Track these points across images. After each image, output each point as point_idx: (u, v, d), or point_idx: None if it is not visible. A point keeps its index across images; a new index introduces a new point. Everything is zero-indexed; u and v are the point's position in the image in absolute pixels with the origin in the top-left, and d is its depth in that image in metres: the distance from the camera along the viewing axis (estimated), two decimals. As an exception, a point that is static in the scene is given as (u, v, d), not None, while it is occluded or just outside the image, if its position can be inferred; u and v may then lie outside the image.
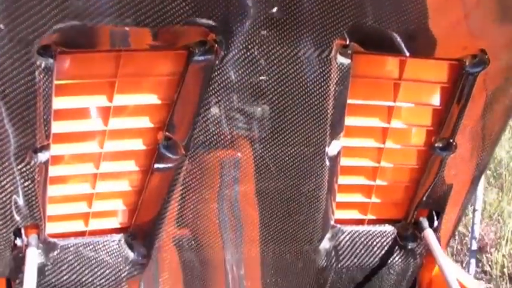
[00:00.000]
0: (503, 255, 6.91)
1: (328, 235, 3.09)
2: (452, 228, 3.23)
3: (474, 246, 6.58)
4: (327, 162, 2.79)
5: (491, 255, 6.95)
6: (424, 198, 3.06)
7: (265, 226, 2.95)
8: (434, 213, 3.15)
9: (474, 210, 6.50)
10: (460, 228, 7.21)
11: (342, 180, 2.97)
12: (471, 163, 2.99)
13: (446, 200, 3.08)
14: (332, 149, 2.77)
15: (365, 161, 2.97)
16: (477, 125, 2.86)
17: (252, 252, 3.03)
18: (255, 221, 2.93)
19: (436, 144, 2.92)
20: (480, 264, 6.89)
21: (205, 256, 3.00)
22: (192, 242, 2.94)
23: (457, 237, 7.23)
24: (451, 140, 2.89)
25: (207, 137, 2.62)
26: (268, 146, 2.69)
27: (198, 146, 2.64)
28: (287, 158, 2.74)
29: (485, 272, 6.82)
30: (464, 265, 6.39)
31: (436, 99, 2.84)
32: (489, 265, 6.86)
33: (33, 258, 2.69)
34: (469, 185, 3.09)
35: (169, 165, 2.69)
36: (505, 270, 6.82)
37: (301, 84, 2.55)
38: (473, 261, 6.57)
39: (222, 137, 2.64)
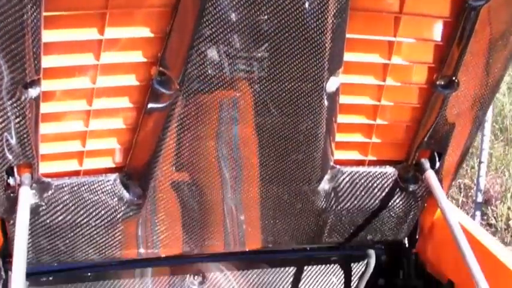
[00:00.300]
0: (509, 208, 6.88)
1: (327, 176, 3.04)
2: (454, 170, 3.17)
3: (479, 199, 6.57)
4: (325, 99, 2.72)
5: (496, 207, 6.93)
6: (426, 139, 3.00)
7: (263, 165, 2.89)
8: (436, 154, 3.09)
9: (480, 163, 6.48)
10: (466, 180, 7.19)
11: (342, 119, 2.91)
12: (474, 102, 2.92)
13: (449, 140, 3.02)
14: (330, 85, 2.70)
15: (365, 99, 2.90)
16: (480, 61, 2.79)
17: (250, 192, 2.99)
18: (252, 160, 2.88)
19: (438, 82, 2.85)
20: (485, 217, 6.87)
21: (203, 196, 2.95)
22: (189, 181, 2.90)
23: (462, 190, 7.20)
24: (453, 78, 2.82)
25: (202, 72, 2.56)
26: (264, 81, 2.62)
27: (193, 81, 2.58)
28: (284, 94, 2.68)
29: (490, 225, 6.81)
30: (469, 218, 6.34)
31: (437, 35, 2.77)
32: (494, 218, 6.85)
33: (26, 197, 2.65)
34: (471, 125, 3.02)
35: (164, 101, 2.63)
36: (510, 222, 6.80)
37: (297, 16, 2.47)
38: (478, 213, 6.56)
39: (217, 72, 2.58)
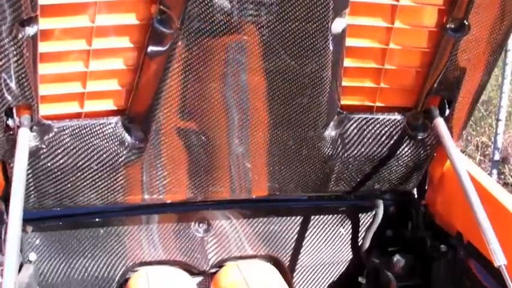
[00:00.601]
0: (526, 168, 6.79)
1: (333, 122, 2.98)
2: (464, 119, 3.10)
3: (496, 157, 6.49)
4: (331, 41, 2.65)
5: (513, 166, 6.84)
6: (435, 85, 2.93)
7: (267, 109, 2.84)
8: (445, 101, 3.02)
9: (497, 120, 6.40)
10: (483, 138, 7.11)
11: (349, 63, 2.85)
12: (486, 46, 2.84)
13: (459, 86, 2.95)
14: (336, 26, 2.63)
15: (373, 42, 2.82)
16: (492, 3, 2.71)
17: (254, 137, 2.94)
18: (256, 103, 2.83)
19: (448, 25, 2.77)
20: (502, 176, 6.79)
21: (207, 140, 2.91)
22: (192, 125, 2.85)
23: (479, 148, 7.13)
24: (464, 21, 2.74)
25: (202, 11, 2.50)
26: (267, 21, 2.56)
27: (193, 20, 2.52)
28: (288, 35, 2.61)
29: (506, 184, 6.73)
30: (485, 176, 6.27)
31: (448, -26, 2.68)
32: (511, 176, 6.76)
33: (25, 138, 2.62)
34: (483, 71, 2.94)
35: (164, 41, 2.57)
36: (527, 181, 6.72)
37: None
38: (495, 171, 6.49)
39: (218, 11, 2.51)
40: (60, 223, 3.12)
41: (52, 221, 3.12)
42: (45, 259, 3.10)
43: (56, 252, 3.12)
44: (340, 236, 3.44)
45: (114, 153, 2.85)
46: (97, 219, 3.16)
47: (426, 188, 3.38)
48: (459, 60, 2.84)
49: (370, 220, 3.41)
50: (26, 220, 2.96)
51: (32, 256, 3.06)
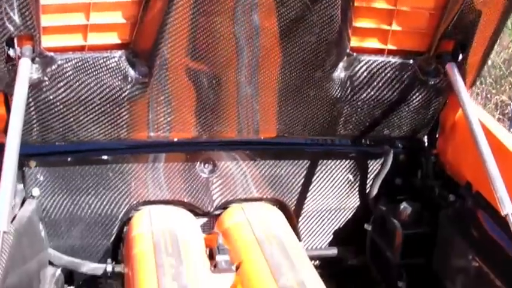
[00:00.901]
0: (545, 126, 6.66)
1: (343, 63, 2.92)
2: (478, 65, 3.02)
3: (515, 116, 6.38)
4: None
5: (533, 126, 6.71)
6: (449, 28, 2.85)
7: (274, 46, 2.77)
8: (459, 46, 2.93)
9: (518, 79, 6.28)
10: (503, 97, 6.99)
11: (360, 2, 2.77)
12: (503, -11, 2.75)
13: (473, 31, 2.86)
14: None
15: (384, -19, 2.74)
16: None
17: (262, 75, 2.88)
18: (263, 40, 2.76)
19: (464, -34, 2.68)
20: (521, 136, 6.65)
21: (212, 77, 2.86)
22: (197, 61, 2.79)
23: (499, 107, 7.02)
24: (480, -39, 2.65)
25: None
26: None
27: None
28: None
29: (525, 143, 6.59)
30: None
31: None
32: (530, 135, 6.63)
33: (26, 69, 2.58)
34: (499, 16, 2.85)
35: None
36: (546, 141, 6.58)
37: None
38: (513, 130, 6.38)
39: None
40: (64, 159, 3.10)
41: (56, 156, 3.09)
42: (48, 195, 3.08)
43: (60, 188, 3.10)
44: (348, 182, 3.39)
45: (118, 88, 2.81)
46: (102, 157, 3.13)
47: (437, 136, 3.31)
48: (475, 3, 2.76)
49: (379, 167, 3.35)
50: (30, 155, 2.96)
51: (35, 191, 3.04)
